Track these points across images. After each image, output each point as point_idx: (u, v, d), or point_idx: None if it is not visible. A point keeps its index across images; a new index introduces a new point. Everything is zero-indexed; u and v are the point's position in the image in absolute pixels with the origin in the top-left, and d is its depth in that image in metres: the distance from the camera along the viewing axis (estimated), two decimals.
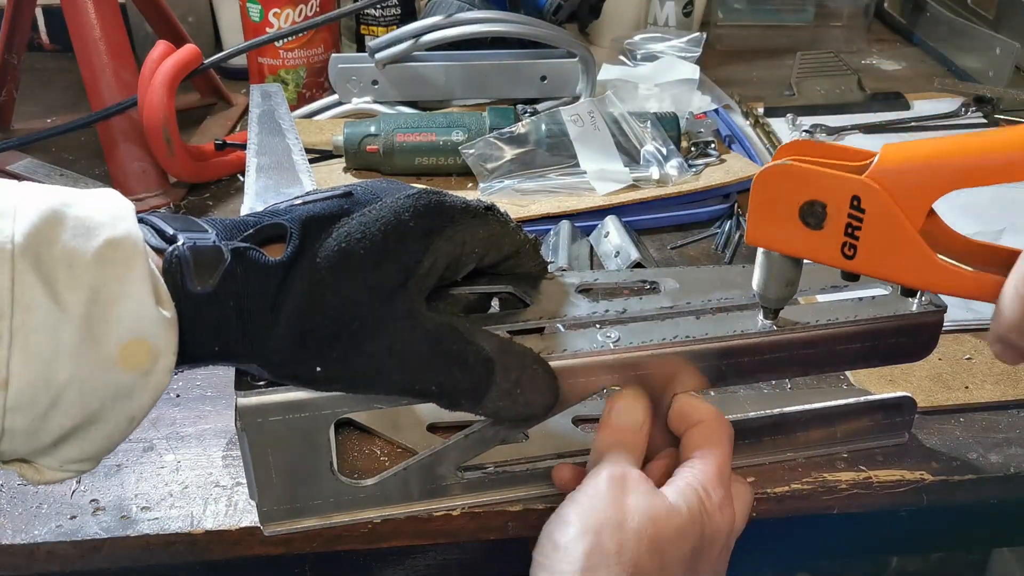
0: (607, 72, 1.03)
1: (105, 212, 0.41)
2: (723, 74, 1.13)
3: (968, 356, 0.67)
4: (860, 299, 0.54)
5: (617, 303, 0.53)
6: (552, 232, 0.78)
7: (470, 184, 0.84)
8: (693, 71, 1.02)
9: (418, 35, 0.92)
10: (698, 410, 0.51)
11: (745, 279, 0.54)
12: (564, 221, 0.79)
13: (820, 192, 0.44)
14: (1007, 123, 1.01)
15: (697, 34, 1.08)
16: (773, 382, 0.63)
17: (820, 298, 0.56)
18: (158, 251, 0.43)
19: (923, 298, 0.53)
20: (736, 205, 0.84)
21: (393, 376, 0.45)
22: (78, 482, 0.55)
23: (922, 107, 1.05)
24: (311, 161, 0.86)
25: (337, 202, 0.47)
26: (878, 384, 0.63)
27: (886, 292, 0.55)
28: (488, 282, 0.53)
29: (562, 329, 0.52)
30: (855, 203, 0.43)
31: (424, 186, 0.49)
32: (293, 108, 0.98)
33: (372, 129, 0.84)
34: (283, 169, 0.61)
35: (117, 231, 0.40)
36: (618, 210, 0.80)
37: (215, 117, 1.00)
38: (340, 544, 0.53)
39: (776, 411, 0.56)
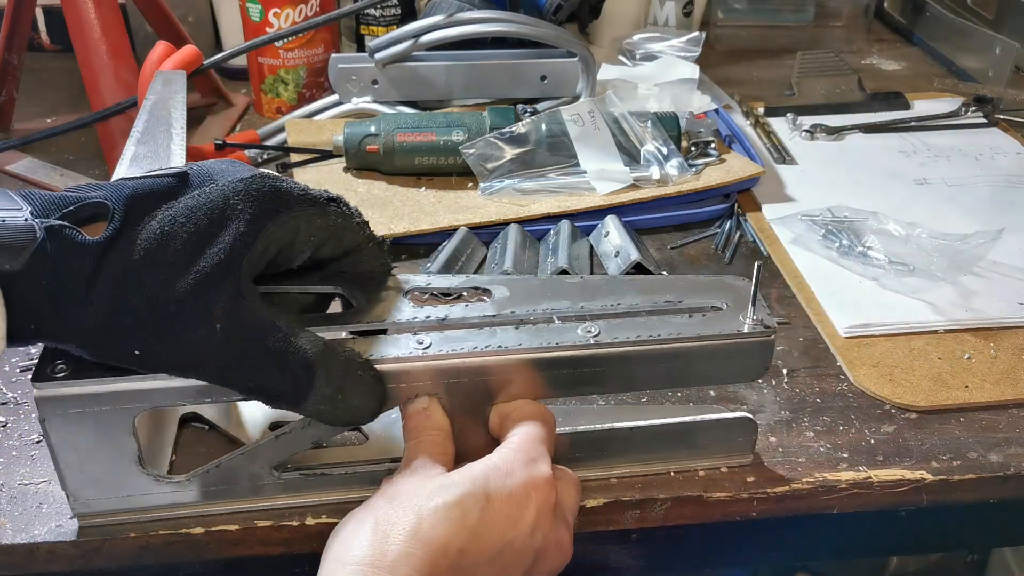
0: (607, 72, 1.03)
1: None
2: (723, 74, 1.13)
3: (968, 356, 0.67)
4: (691, 315, 0.52)
5: (441, 309, 0.52)
6: (552, 232, 0.78)
7: (470, 184, 0.84)
8: (693, 71, 1.02)
9: (418, 35, 0.92)
10: (511, 406, 0.51)
11: (578, 291, 0.53)
12: (564, 221, 0.79)
13: None
14: (1007, 123, 1.01)
15: (697, 34, 1.08)
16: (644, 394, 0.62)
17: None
18: None
19: (755, 317, 0.51)
20: (736, 205, 0.84)
21: (208, 366, 0.45)
22: None
23: (922, 107, 1.05)
24: (311, 161, 0.87)
25: (167, 181, 0.46)
26: (878, 383, 0.64)
27: (722, 308, 0.53)
28: (321, 280, 0.52)
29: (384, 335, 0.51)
30: None
31: (266, 171, 0.48)
32: (293, 108, 0.98)
33: (372, 129, 0.84)
34: (158, 159, 0.60)
35: None
36: (618, 210, 0.80)
37: (215, 117, 1.00)
38: None
39: (605, 426, 0.55)
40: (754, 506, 0.56)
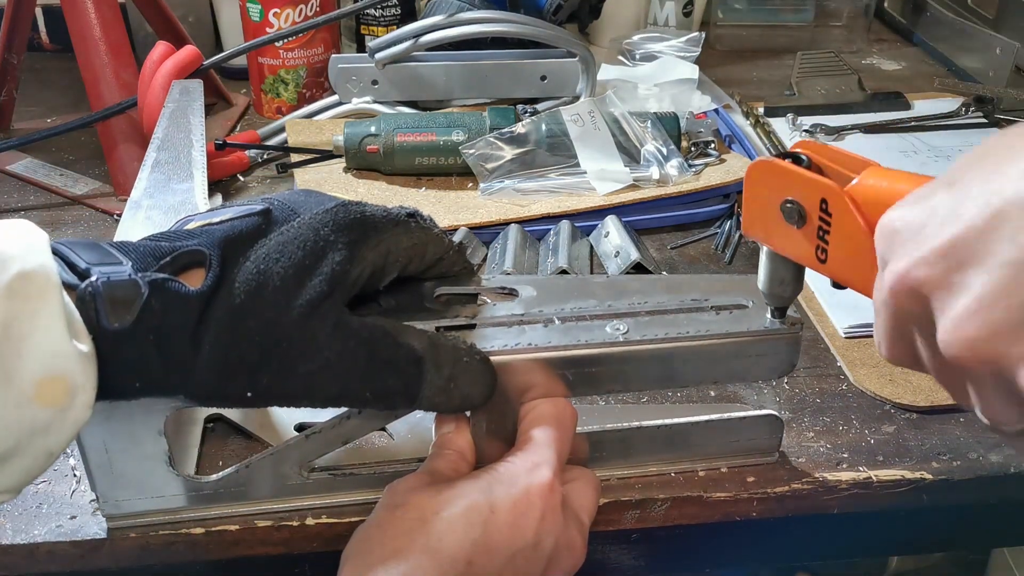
0: (607, 72, 1.03)
1: (17, 244, 0.40)
2: (723, 74, 1.13)
3: None
4: (717, 313, 0.53)
5: (469, 309, 0.52)
6: (552, 232, 0.78)
7: (470, 184, 0.84)
8: (692, 71, 1.02)
9: (418, 35, 0.92)
10: (528, 406, 0.50)
11: (604, 290, 0.53)
12: (564, 221, 0.79)
13: (795, 191, 0.44)
14: (1007, 123, 1.01)
15: (696, 34, 1.08)
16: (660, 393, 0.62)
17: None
18: (70, 287, 0.42)
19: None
20: (736, 205, 0.84)
21: (327, 389, 0.45)
22: (78, 482, 0.55)
23: (922, 107, 1.05)
24: (311, 161, 0.87)
25: (254, 221, 0.47)
26: (878, 383, 0.63)
27: (747, 305, 0.53)
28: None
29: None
30: (823, 206, 0.43)
31: (345, 199, 0.49)
32: (293, 108, 0.98)
33: (372, 129, 0.84)
34: (179, 165, 0.62)
35: (28, 263, 0.39)
36: (618, 210, 0.80)
37: (215, 117, 1.00)
38: (340, 544, 0.53)
39: (631, 425, 0.55)
40: (754, 506, 0.56)
